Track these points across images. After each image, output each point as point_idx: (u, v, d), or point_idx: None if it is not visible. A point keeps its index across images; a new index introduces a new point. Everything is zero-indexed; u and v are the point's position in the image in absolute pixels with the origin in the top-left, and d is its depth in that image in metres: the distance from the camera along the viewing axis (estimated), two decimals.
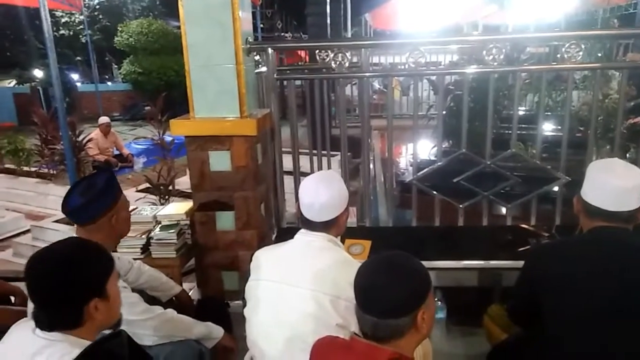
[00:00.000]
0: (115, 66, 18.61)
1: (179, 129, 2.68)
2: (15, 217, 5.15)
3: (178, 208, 2.85)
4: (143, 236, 2.63)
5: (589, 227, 1.60)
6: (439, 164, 2.92)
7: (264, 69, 2.94)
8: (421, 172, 2.94)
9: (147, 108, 5.61)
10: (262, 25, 14.90)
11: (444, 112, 4.30)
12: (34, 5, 5.30)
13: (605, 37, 3.67)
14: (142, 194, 5.03)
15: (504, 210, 2.95)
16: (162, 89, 9.01)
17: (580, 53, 2.56)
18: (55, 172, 6.24)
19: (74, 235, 1.73)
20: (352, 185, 3.04)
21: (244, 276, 1.96)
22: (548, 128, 4.73)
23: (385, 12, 11.82)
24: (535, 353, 1.63)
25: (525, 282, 1.69)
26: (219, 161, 2.67)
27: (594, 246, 1.56)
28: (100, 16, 17.08)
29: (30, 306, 1.26)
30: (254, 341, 1.64)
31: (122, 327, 1.33)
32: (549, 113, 4.87)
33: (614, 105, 4.14)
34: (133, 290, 1.91)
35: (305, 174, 1.91)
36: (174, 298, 2.22)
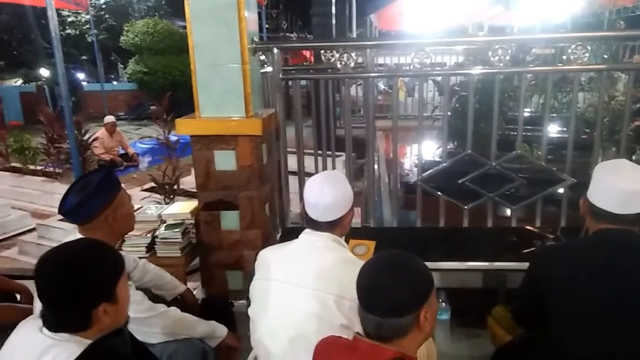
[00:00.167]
0: (121, 66, 18.71)
1: (184, 128, 2.69)
2: (21, 215, 5.18)
3: (183, 207, 2.86)
4: (148, 235, 2.64)
5: (595, 229, 1.59)
6: (444, 164, 2.91)
7: (269, 68, 2.94)
8: (426, 173, 2.93)
9: (153, 107, 5.63)
10: (267, 26, 14.92)
11: (449, 113, 4.29)
12: (41, 4, 5.33)
13: (611, 39, 3.66)
14: (147, 193, 5.06)
15: (508, 211, 2.94)
16: (168, 89, 9.06)
17: (587, 54, 2.56)
18: (61, 170, 6.27)
19: (78, 233, 1.72)
20: (356, 186, 3.04)
21: (249, 276, 1.97)
22: (553, 130, 4.72)
23: (391, 13, 11.82)
24: (539, 355, 1.63)
25: (530, 284, 1.69)
26: (224, 161, 2.68)
27: (599, 248, 1.55)
28: (107, 16, 17.17)
29: (37, 304, 1.27)
30: (258, 340, 1.64)
31: None
32: (554, 114, 4.85)
33: (620, 107, 4.12)
34: (137, 288, 1.91)
35: (310, 174, 1.91)
36: (178, 297, 2.23)
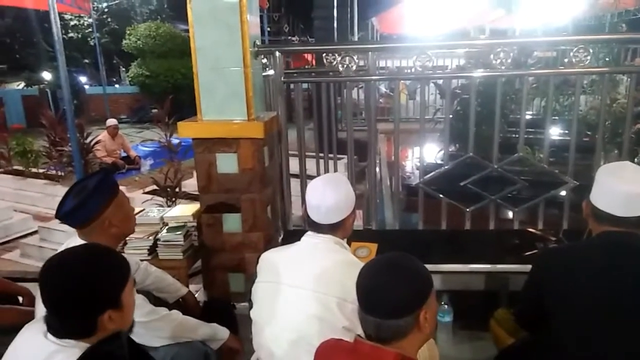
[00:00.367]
0: (123, 69, 18.76)
1: (186, 131, 2.70)
2: (23, 218, 5.19)
3: (185, 210, 2.87)
4: (150, 237, 2.64)
5: (598, 231, 1.59)
6: (446, 167, 2.91)
7: (271, 72, 2.95)
8: (428, 176, 2.93)
9: (155, 110, 5.66)
10: (269, 29, 14.97)
11: (451, 116, 4.29)
12: (44, 8, 5.35)
13: (613, 42, 3.67)
14: (149, 196, 5.05)
15: (511, 214, 2.94)
16: (170, 92, 9.04)
17: (588, 57, 2.56)
18: (63, 173, 6.27)
19: (77, 237, 1.71)
20: (358, 189, 3.04)
21: (250, 278, 1.97)
22: (555, 132, 4.71)
23: (392, 16, 11.83)
24: (542, 357, 1.62)
25: (533, 286, 1.68)
26: (226, 163, 2.68)
27: (602, 251, 1.55)
28: (109, 19, 17.20)
29: (39, 307, 1.26)
30: (260, 343, 1.64)
31: None
32: (556, 117, 4.85)
33: (622, 110, 4.12)
34: (139, 291, 1.91)
35: (312, 177, 1.91)
36: (180, 299, 2.23)
